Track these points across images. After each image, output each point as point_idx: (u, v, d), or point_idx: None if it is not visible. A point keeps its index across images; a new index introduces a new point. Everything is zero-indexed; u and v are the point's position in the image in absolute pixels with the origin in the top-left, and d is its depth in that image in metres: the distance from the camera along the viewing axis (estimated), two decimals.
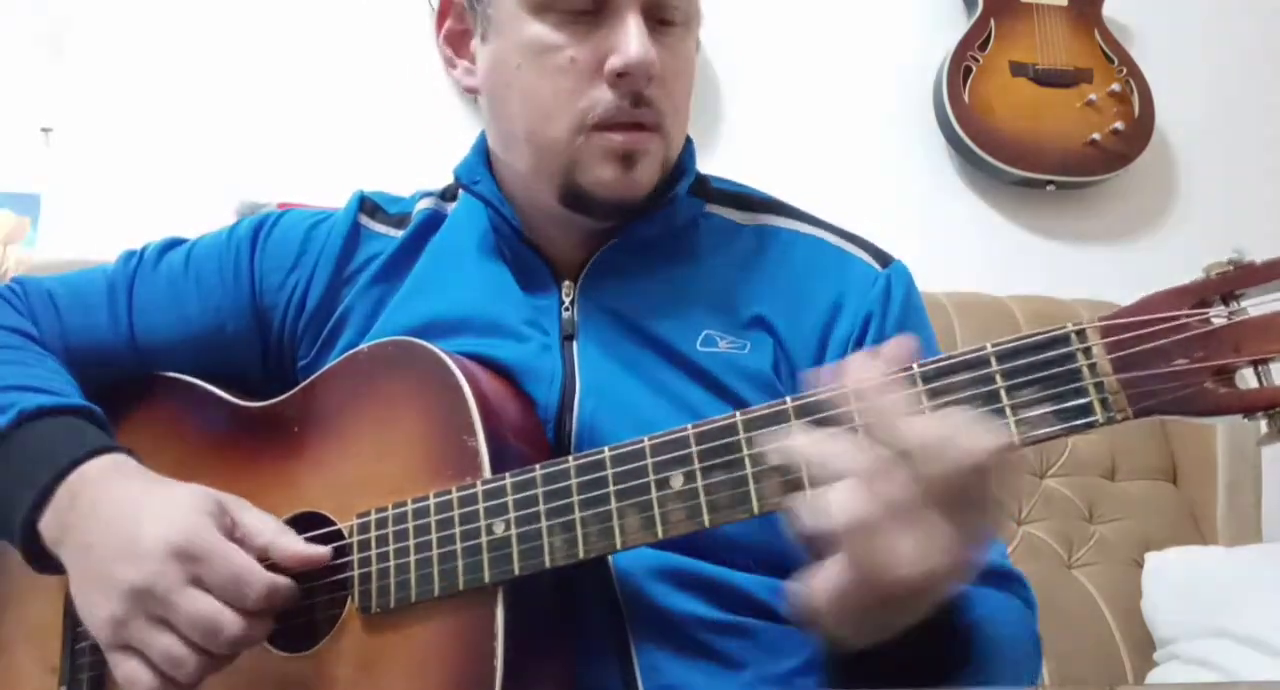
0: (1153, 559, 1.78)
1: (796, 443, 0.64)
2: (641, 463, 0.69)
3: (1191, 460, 1.89)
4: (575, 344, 0.90)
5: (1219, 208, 2.31)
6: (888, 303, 0.92)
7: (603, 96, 0.85)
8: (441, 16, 0.97)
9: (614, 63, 0.83)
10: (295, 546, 0.79)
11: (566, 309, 0.92)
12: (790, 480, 0.65)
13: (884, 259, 0.96)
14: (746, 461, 0.66)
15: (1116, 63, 2.22)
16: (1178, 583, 1.72)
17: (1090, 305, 1.94)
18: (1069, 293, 1.98)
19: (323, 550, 0.80)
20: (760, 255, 0.95)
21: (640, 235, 0.93)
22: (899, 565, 0.58)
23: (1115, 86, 2.19)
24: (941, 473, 0.58)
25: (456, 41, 0.96)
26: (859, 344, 0.90)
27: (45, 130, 1.96)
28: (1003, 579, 0.87)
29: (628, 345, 0.90)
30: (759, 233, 0.97)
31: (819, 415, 0.65)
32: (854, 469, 0.60)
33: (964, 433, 0.58)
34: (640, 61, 0.83)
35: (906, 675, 0.67)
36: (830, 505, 0.60)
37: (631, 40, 0.83)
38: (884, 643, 0.64)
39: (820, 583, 0.62)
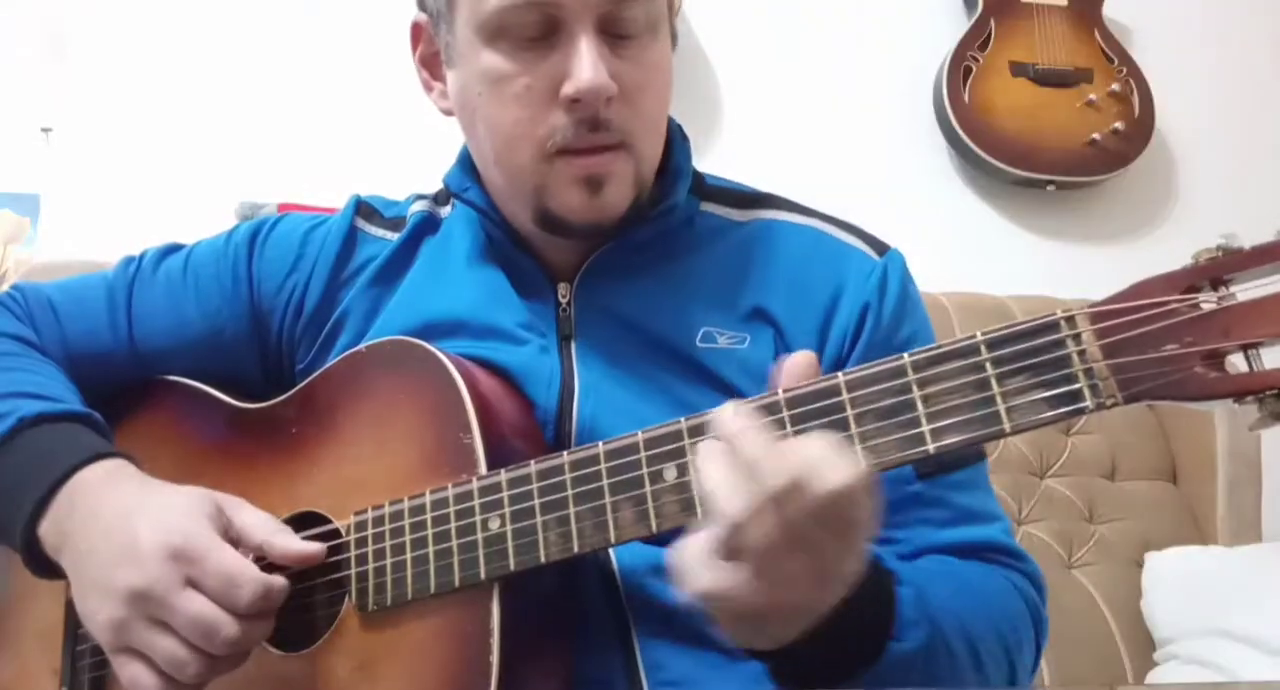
0: (1153, 559, 1.78)
1: (700, 467, 0.64)
2: (635, 456, 0.69)
3: (1191, 460, 1.89)
4: (573, 345, 0.90)
5: (1218, 208, 2.31)
6: (884, 293, 0.91)
7: (560, 122, 0.83)
8: (414, 39, 0.97)
9: (567, 90, 0.82)
10: (290, 544, 0.79)
11: (564, 310, 0.92)
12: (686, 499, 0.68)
13: (880, 248, 0.96)
14: None
15: (1116, 63, 2.22)
16: (1178, 583, 1.72)
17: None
18: (1069, 293, 1.97)
19: (318, 547, 0.80)
20: (757, 249, 0.95)
21: (636, 238, 0.93)
22: (751, 599, 0.62)
23: (1115, 86, 2.19)
24: (800, 511, 0.59)
25: (431, 63, 0.96)
26: (856, 335, 0.90)
27: (45, 130, 1.97)
28: (997, 553, 0.87)
29: (626, 345, 0.90)
30: (755, 228, 0.97)
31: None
32: (728, 510, 0.60)
33: (819, 467, 0.59)
34: (591, 88, 0.81)
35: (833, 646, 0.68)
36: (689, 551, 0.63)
37: (583, 65, 0.81)
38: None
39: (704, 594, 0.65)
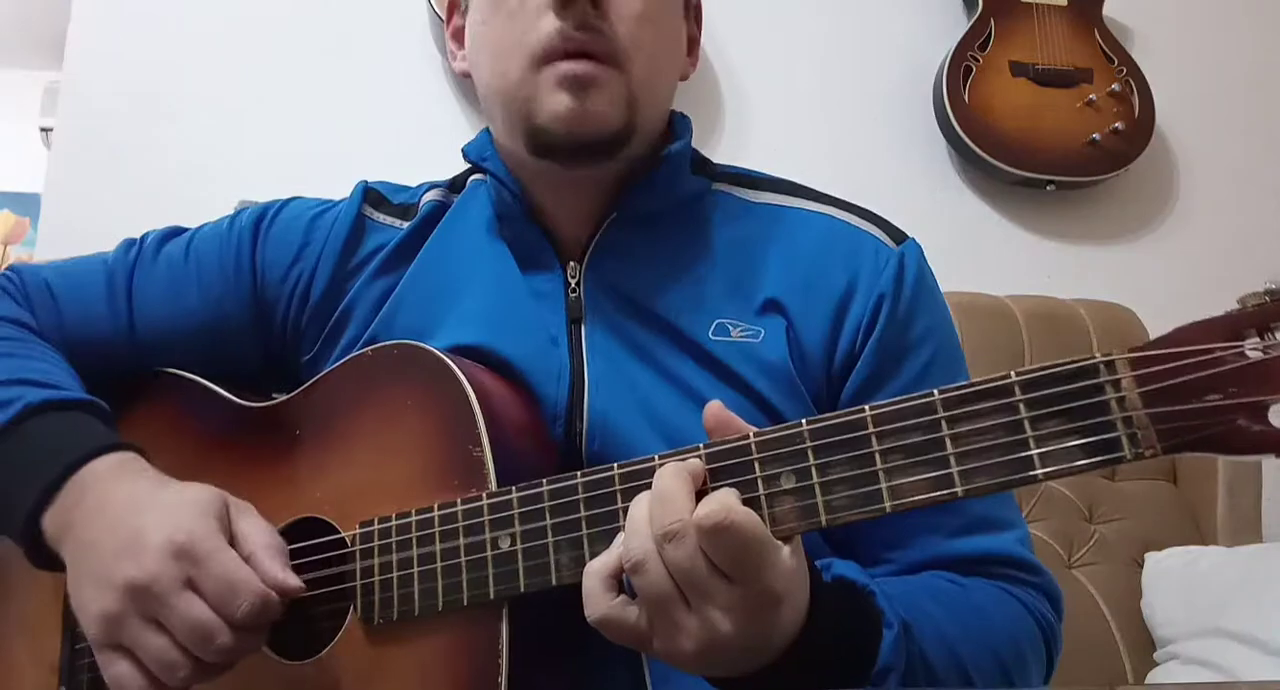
0: (1153, 559, 1.78)
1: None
2: (649, 481, 0.66)
3: (1191, 460, 1.89)
4: (583, 328, 0.89)
5: (1218, 208, 2.31)
6: (900, 284, 0.89)
7: (549, 28, 0.84)
8: (449, 14, 0.99)
9: None
10: (272, 569, 0.75)
11: (573, 291, 0.90)
12: None
13: (897, 236, 0.94)
14: (759, 483, 0.64)
15: (1116, 63, 2.21)
16: (1178, 583, 1.72)
17: (1090, 305, 1.94)
18: (1069, 293, 1.98)
19: (296, 583, 0.75)
20: (771, 234, 0.93)
21: (642, 207, 0.92)
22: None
23: (1115, 86, 2.18)
24: (688, 554, 0.61)
25: (458, 36, 0.98)
26: (870, 327, 0.88)
27: (45, 130, 1.96)
28: (1010, 567, 0.86)
29: (636, 328, 0.89)
30: (769, 211, 0.95)
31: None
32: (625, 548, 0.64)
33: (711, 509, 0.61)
34: None
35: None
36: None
37: None
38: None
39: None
